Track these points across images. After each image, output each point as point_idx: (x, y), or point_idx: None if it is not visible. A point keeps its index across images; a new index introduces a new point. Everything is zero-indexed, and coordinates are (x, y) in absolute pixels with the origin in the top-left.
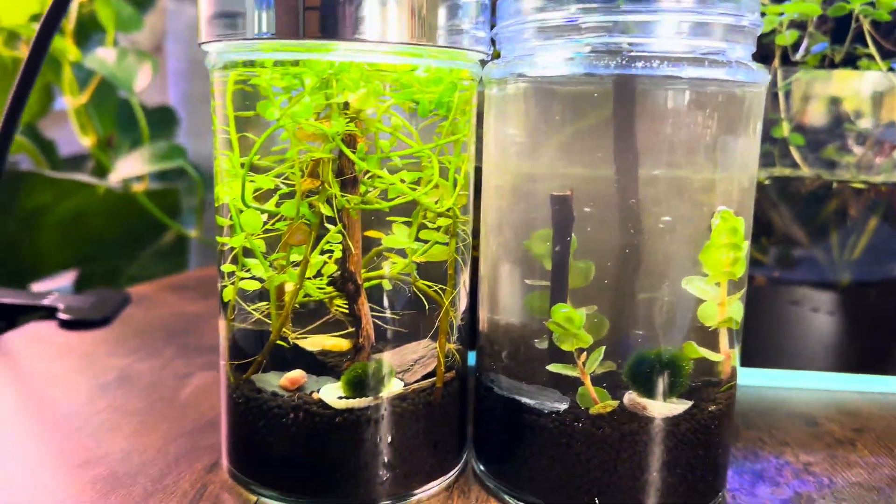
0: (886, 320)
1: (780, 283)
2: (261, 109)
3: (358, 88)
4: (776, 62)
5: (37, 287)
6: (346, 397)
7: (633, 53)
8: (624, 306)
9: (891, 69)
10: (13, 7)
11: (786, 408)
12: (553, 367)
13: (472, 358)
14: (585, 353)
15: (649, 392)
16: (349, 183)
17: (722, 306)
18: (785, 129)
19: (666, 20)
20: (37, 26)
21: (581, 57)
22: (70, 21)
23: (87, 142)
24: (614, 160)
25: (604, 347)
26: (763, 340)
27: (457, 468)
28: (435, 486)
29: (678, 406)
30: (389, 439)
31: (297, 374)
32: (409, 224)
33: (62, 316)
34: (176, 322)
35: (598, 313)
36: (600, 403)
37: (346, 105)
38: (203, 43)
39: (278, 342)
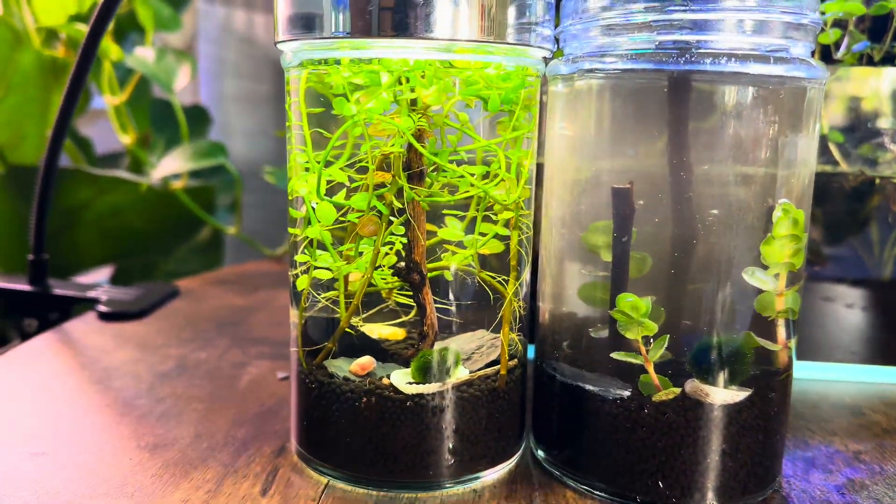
0: None
1: (821, 278)
2: (337, 106)
3: (430, 85)
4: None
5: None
6: (416, 382)
7: (700, 50)
8: (681, 296)
9: None
10: (52, 7)
11: (830, 399)
12: (617, 355)
13: (530, 351)
14: (649, 340)
15: (711, 379)
16: (415, 177)
17: (781, 297)
18: (825, 127)
19: (730, 17)
20: (77, 26)
21: (649, 53)
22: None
23: (126, 140)
24: (673, 154)
25: (667, 335)
26: (805, 333)
27: (518, 453)
28: (499, 469)
29: (739, 393)
30: (456, 424)
31: (366, 360)
32: (467, 218)
33: (102, 308)
34: (224, 314)
35: (654, 304)
36: (663, 390)
37: (414, 101)
38: (279, 42)
39: (347, 330)
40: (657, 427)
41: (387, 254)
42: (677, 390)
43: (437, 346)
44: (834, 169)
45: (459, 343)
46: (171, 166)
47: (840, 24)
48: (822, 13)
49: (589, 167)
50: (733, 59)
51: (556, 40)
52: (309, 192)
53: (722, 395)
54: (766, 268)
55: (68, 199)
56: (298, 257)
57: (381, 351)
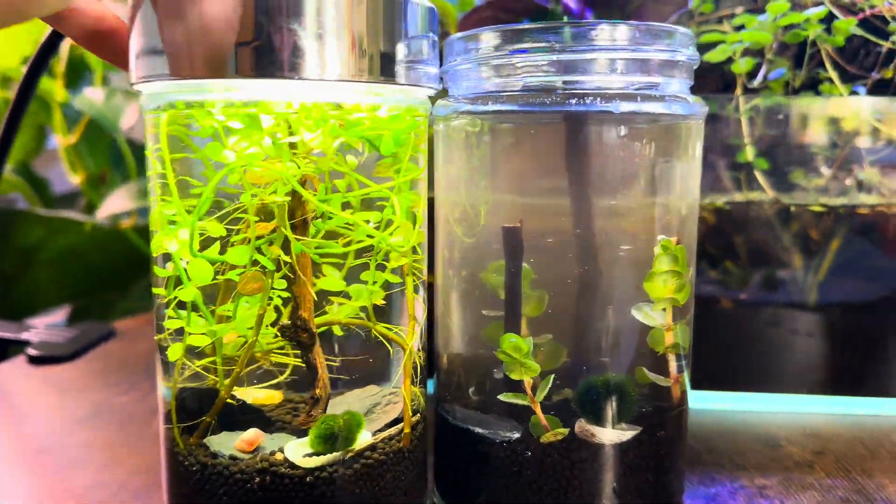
0: (853, 341)
1: (747, 305)
2: (210, 152)
3: (315, 129)
4: (738, 90)
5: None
6: (316, 454)
7: (566, 91)
8: (579, 334)
9: (853, 93)
10: (5, 50)
11: (750, 431)
12: (504, 397)
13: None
14: (536, 381)
15: (598, 419)
16: (299, 226)
17: (669, 332)
18: (749, 154)
19: (599, 58)
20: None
21: (517, 94)
22: (61, 62)
23: (76, 179)
24: (554, 193)
25: (552, 376)
26: (731, 363)
27: None
28: None
29: (627, 432)
30: (363, 494)
31: (253, 433)
32: (346, 266)
33: (31, 352)
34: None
35: (553, 342)
36: (550, 431)
37: (293, 145)
38: (134, 83)
39: (228, 401)
40: (543, 469)
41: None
42: (565, 431)
43: (339, 408)
44: (747, 197)
45: (355, 403)
46: (116, 205)
47: (761, 52)
48: (739, 41)
49: (472, 206)
50: (599, 99)
51: (442, 79)
52: (180, 248)
53: (609, 434)
54: (652, 303)
55: (22, 241)
56: (169, 323)
57: (265, 420)
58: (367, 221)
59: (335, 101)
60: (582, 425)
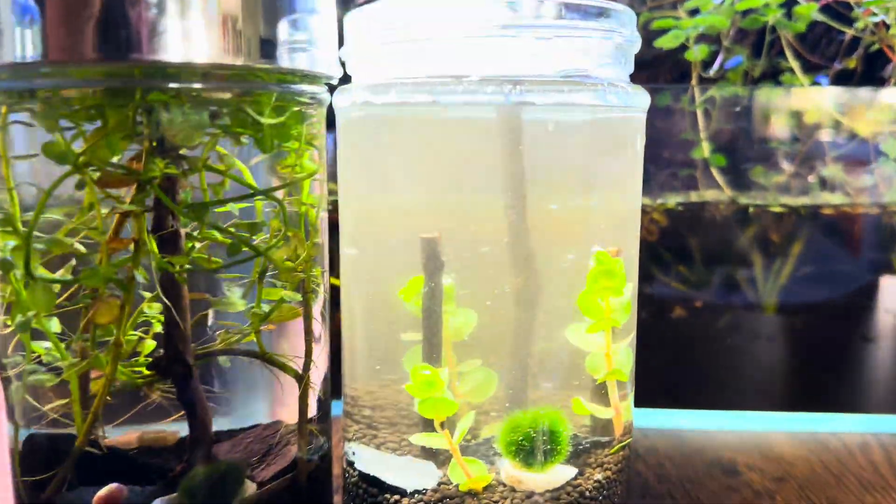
0: (815, 352)
1: (702, 314)
2: (48, 151)
3: (177, 121)
4: (693, 80)
5: None
6: None
7: (479, 79)
8: (511, 359)
9: (815, 84)
10: None
11: (706, 454)
12: (416, 439)
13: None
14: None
15: (525, 462)
16: (169, 240)
17: (608, 356)
18: (705, 150)
19: (522, 39)
20: None
21: (425, 82)
22: None
23: None
24: (473, 195)
25: (472, 413)
26: (686, 377)
27: None
28: None
29: (558, 477)
30: None
31: (112, 489)
32: (249, 283)
33: None
34: None
35: (483, 368)
36: (472, 478)
37: (162, 142)
38: None
39: (87, 448)
40: None
41: (142, 338)
42: (489, 477)
43: (222, 453)
44: (699, 198)
45: (244, 446)
46: None
47: (714, 39)
48: (692, 27)
49: (380, 212)
50: (520, 89)
51: (343, 64)
52: (17, 265)
53: (537, 480)
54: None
55: None
56: (7, 359)
57: (140, 470)
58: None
59: (205, 87)
60: (508, 470)
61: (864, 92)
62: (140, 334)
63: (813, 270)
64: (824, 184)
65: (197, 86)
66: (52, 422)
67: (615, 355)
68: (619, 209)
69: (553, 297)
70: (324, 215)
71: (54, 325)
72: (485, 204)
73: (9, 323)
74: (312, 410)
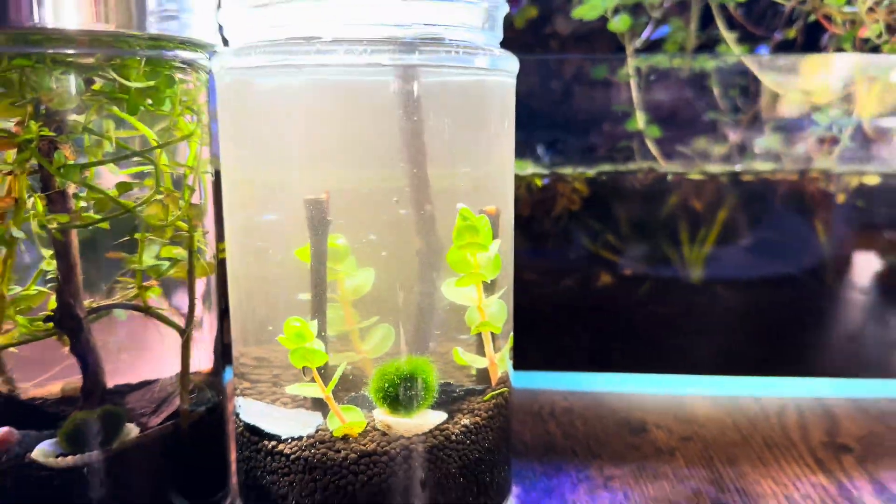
0: (739, 317)
1: (629, 281)
2: None
3: (49, 86)
4: (628, 51)
5: None
6: (66, 454)
7: (330, 39)
8: (406, 316)
9: (751, 54)
10: None
11: (619, 415)
12: (292, 389)
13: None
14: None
15: (392, 407)
16: (57, 199)
17: (480, 309)
18: (640, 122)
19: (381, 3)
20: None
21: (280, 45)
22: None
23: None
24: (344, 158)
25: (345, 363)
26: (613, 342)
27: None
28: None
29: (427, 421)
30: (126, 496)
31: (2, 432)
32: (141, 243)
33: None
34: None
35: (383, 324)
36: (345, 423)
37: (42, 107)
38: None
39: None
40: (329, 467)
41: (39, 293)
42: (363, 423)
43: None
44: (616, 168)
45: (141, 395)
46: None
47: (637, 9)
48: None
49: (260, 176)
50: (371, 49)
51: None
52: None
53: (405, 425)
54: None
55: None
56: None
57: (44, 417)
58: (125, 192)
59: (74, 53)
60: (380, 416)
61: (796, 59)
62: (44, 290)
63: (737, 237)
64: (761, 154)
65: (67, 51)
66: None
67: (487, 308)
68: (491, 171)
69: (436, 255)
70: (208, 178)
71: None
72: (348, 167)
73: None
74: (199, 365)
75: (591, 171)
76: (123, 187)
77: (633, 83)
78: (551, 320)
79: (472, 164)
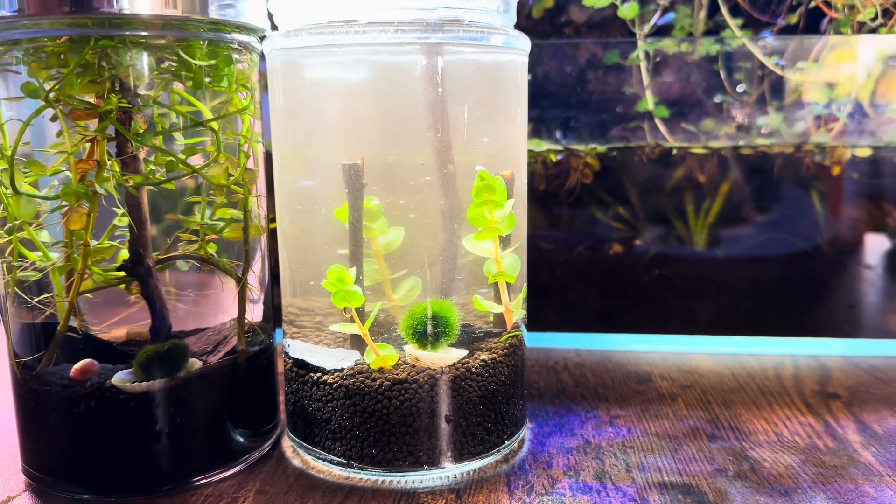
0: (743, 284)
1: (640, 250)
2: (25, 90)
3: (127, 64)
4: (639, 36)
5: None
6: (140, 381)
7: (365, 22)
8: (431, 268)
9: (754, 38)
10: None
11: (627, 369)
12: (334, 327)
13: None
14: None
15: (420, 342)
16: (130, 162)
17: (497, 261)
18: (649, 103)
19: None
20: None
21: (323, 27)
22: None
23: None
24: (378, 129)
25: (379, 305)
26: (622, 305)
27: (270, 441)
28: (247, 461)
29: (450, 356)
30: (193, 418)
31: (86, 363)
32: (202, 203)
33: None
34: None
35: (411, 276)
36: (379, 357)
37: (121, 82)
38: None
39: (69, 333)
40: (366, 393)
41: (115, 246)
42: (395, 357)
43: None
44: (626, 144)
45: (202, 335)
46: None
47: None
48: None
49: (306, 146)
50: (401, 30)
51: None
52: (6, 184)
53: (431, 358)
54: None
55: None
56: (3, 259)
57: (116, 353)
58: (188, 157)
59: (147, 35)
60: (410, 350)
61: (797, 42)
62: (116, 244)
63: (739, 207)
64: (763, 132)
65: (142, 33)
66: (39, 312)
67: (503, 260)
68: (505, 139)
69: (458, 212)
70: (259, 147)
71: (44, 237)
72: (381, 135)
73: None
74: (253, 312)
75: (604, 147)
76: (189, 151)
77: (642, 67)
78: (566, 285)
79: (489, 132)
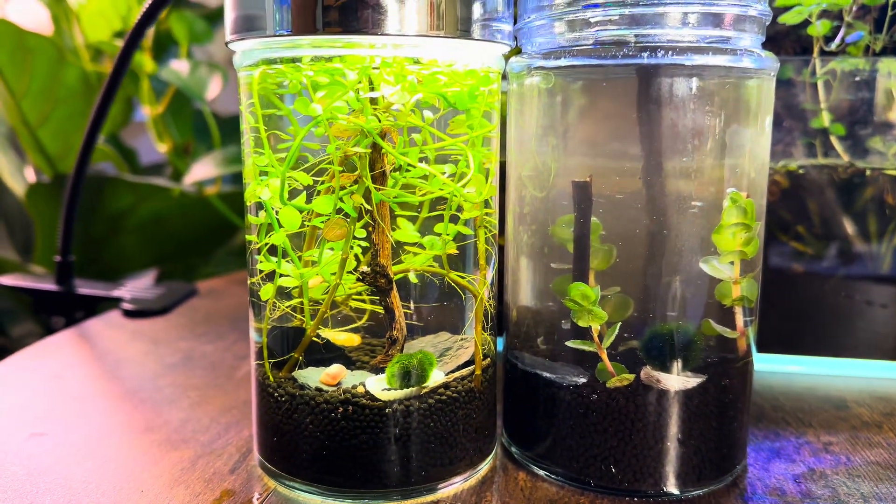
0: None
1: (821, 271)
2: (299, 106)
3: (395, 84)
4: (815, 53)
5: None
6: (393, 389)
7: (638, 44)
8: (646, 287)
9: None
10: (98, 24)
11: (818, 393)
12: (572, 343)
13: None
14: (602, 329)
15: (663, 366)
16: (378, 177)
17: (736, 285)
18: (825, 120)
19: (672, 12)
20: (118, 42)
21: (589, 49)
22: (148, 37)
23: (163, 148)
24: (625, 149)
25: (619, 324)
26: (802, 327)
27: (492, 453)
28: (478, 469)
29: (691, 380)
30: (436, 427)
31: (337, 368)
32: (420, 218)
33: (126, 306)
34: (241, 310)
35: (621, 294)
36: (617, 377)
37: (374, 100)
38: (229, 41)
39: (313, 339)
40: (608, 412)
41: (356, 258)
42: (631, 377)
43: (413, 350)
44: (819, 162)
45: (429, 346)
46: (201, 172)
47: (836, 15)
48: (815, 3)
49: (545, 164)
50: (671, 53)
51: (515, 37)
52: (271, 196)
53: (674, 381)
54: (720, 256)
55: (111, 207)
56: (262, 265)
57: (346, 359)
58: (443, 173)
59: (413, 56)
60: (647, 371)
61: None
62: (355, 254)
63: None
64: None
65: (410, 56)
66: (284, 317)
67: (742, 284)
68: (750, 160)
69: (686, 234)
70: (496, 167)
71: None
72: (632, 154)
73: (260, 241)
74: (484, 321)
75: (794, 165)
76: (452, 170)
77: (819, 83)
78: None
79: (738, 153)
